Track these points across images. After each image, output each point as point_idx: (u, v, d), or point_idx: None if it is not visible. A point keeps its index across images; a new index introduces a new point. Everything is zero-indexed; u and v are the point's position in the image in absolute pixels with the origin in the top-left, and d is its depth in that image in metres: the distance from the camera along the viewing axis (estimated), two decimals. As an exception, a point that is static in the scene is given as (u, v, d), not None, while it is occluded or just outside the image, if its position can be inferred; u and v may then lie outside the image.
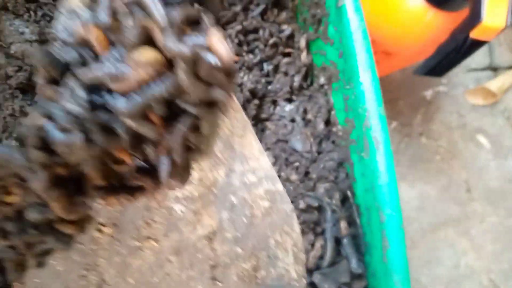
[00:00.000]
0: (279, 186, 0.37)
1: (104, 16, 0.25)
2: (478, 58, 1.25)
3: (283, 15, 0.67)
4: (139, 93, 0.24)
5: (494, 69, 1.26)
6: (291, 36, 0.67)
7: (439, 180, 1.18)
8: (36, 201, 0.28)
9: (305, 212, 0.59)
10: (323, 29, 0.62)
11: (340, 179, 0.62)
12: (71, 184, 0.28)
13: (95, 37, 0.25)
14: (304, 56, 0.65)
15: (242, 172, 0.36)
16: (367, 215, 0.60)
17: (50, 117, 0.25)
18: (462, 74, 1.24)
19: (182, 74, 0.24)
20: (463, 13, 0.67)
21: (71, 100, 0.25)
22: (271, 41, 0.65)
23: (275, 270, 0.37)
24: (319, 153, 0.63)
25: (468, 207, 1.19)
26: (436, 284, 1.16)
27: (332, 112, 0.63)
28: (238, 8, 0.66)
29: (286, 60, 0.66)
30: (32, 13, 0.49)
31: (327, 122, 0.64)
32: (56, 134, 0.25)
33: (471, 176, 1.20)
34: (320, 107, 0.63)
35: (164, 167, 0.27)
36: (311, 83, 0.68)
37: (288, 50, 0.67)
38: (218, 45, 0.25)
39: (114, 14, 0.25)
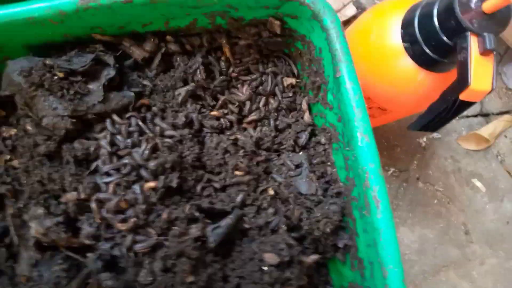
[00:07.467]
0: None
1: None
2: (469, 105, 1.31)
3: (287, 80, 0.73)
4: None
5: (485, 115, 1.32)
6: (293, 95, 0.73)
7: (437, 223, 1.22)
8: None
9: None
10: (323, 95, 0.68)
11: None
12: None
13: None
14: (307, 116, 0.71)
15: None
16: (370, 268, 0.63)
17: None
18: (454, 121, 1.29)
19: None
20: (452, 73, 0.72)
21: None
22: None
23: None
24: (324, 196, 0.66)
25: (468, 249, 1.22)
26: (440, 328, 1.17)
27: (334, 170, 0.68)
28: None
29: (290, 120, 0.71)
30: (65, 91, 0.54)
31: (328, 181, 0.68)
32: None
33: (469, 219, 1.24)
34: (323, 162, 0.68)
35: None
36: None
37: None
38: None
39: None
